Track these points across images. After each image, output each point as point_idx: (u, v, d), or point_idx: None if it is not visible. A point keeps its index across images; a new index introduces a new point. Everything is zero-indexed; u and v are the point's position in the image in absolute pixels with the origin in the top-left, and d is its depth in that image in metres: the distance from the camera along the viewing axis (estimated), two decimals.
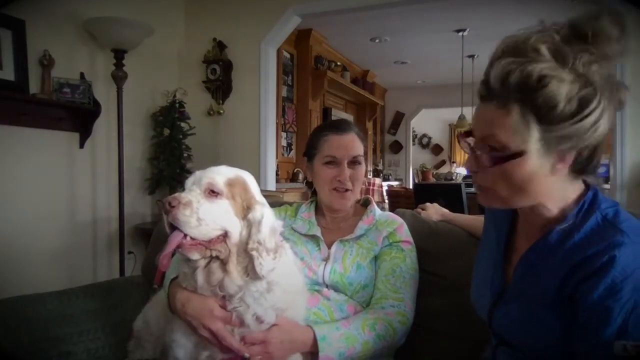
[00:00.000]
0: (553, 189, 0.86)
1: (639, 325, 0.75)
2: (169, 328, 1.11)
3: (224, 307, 1.03)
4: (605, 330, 0.77)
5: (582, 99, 0.77)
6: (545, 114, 0.78)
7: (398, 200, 4.73)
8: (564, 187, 0.87)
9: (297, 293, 1.15)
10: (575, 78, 0.77)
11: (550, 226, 0.88)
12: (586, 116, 0.77)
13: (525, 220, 0.96)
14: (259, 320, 1.04)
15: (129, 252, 3.31)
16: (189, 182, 1.02)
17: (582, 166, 0.85)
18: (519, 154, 0.80)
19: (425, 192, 4.31)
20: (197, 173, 1.03)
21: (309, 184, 1.49)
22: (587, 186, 0.90)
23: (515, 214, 1.01)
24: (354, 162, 1.36)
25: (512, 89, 0.79)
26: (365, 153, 1.41)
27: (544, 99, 0.77)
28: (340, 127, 1.38)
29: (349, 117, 6.58)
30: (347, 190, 1.36)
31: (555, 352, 0.85)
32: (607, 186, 3.27)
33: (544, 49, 0.78)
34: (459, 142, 0.99)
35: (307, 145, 1.45)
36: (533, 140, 0.79)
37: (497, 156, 0.84)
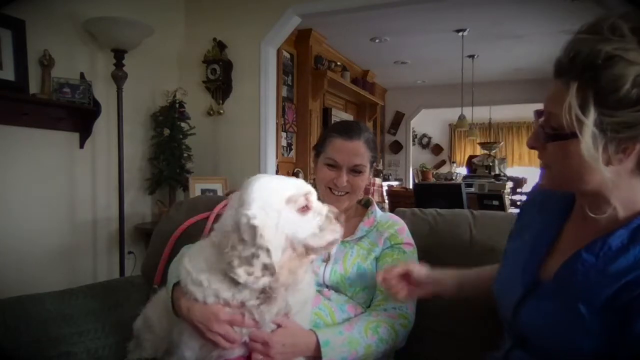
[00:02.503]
0: (616, 181, 0.78)
1: None
2: (176, 330, 1.10)
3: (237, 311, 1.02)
4: None
5: None
6: (606, 96, 0.72)
7: (398, 200, 4.74)
8: (632, 185, 0.80)
9: (312, 288, 1.19)
10: None
11: (613, 227, 0.82)
12: None
13: (585, 215, 0.87)
14: (284, 314, 1.06)
15: (129, 252, 3.31)
16: (315, 199, 1.06)
17: None
18: (573, 134, 0.75)
19: (425, 192, 4.32)
20: (292, 184, 1.04)
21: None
22: None
23: (571, 207, 0.94)
24: (354, 170, 1.35)
25: (578, 67, 0.75)
26: (374, 160, 1.40)
27: (607, 80, 0.72)
28: (349, 132, 1.35)
29: (349, 117, 6.57)
30: (342, 194, 1.35)
31: (586, 357, 0.80)
32: None
33: (625, 28, 0.72)
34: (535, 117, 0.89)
35: (317, 140, 1.46)
36: (589, 122, 0.73)
37: (551, 134, 0.80)
